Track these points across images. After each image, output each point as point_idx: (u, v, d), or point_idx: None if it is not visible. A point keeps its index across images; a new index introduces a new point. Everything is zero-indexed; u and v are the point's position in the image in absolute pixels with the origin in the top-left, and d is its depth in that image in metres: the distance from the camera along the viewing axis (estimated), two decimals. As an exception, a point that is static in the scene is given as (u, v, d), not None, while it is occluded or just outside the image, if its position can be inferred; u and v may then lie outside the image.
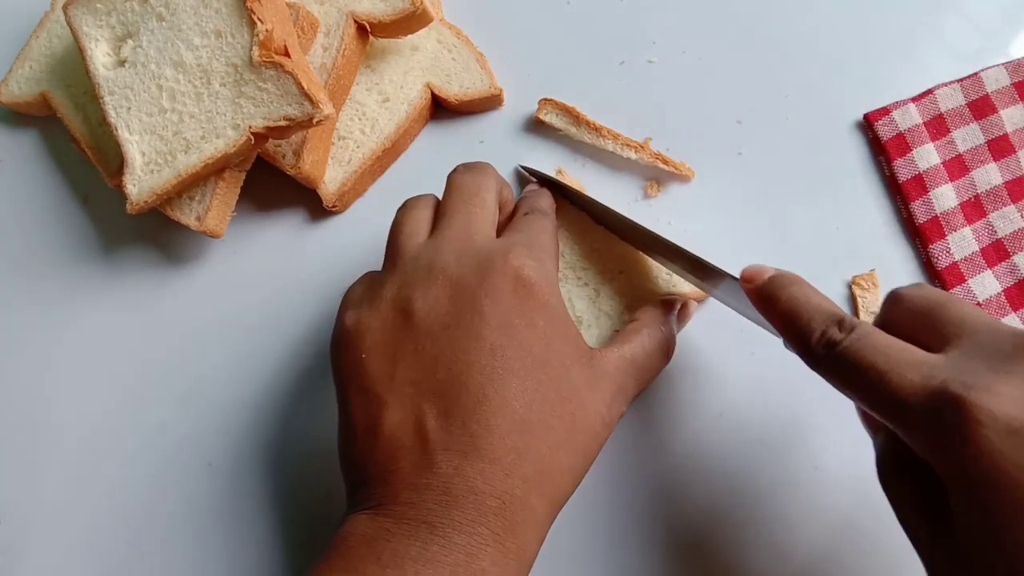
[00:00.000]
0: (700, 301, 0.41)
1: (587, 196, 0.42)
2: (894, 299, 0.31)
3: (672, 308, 0.39)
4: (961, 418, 0.25)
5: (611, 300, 0.41)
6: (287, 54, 0.40)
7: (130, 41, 0.42)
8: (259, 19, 0.39)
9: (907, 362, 0.28)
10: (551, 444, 0.31)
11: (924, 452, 0.27)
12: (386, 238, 0.37)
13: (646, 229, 0.39)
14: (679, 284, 0.41)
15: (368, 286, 0.35)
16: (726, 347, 0.41)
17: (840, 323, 0.30)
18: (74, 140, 0.46)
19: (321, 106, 0.39)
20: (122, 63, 0.42)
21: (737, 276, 0.35)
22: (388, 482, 0.30)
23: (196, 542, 0.41)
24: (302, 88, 0.39)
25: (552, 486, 0.31)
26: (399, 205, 0.38)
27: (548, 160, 0.45)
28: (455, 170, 0.38)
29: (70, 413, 0.44)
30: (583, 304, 0.41)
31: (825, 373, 0.31)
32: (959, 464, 0.26)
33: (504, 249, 0.34)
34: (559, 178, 0.44)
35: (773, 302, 0.33)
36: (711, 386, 0.41)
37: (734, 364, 0.41)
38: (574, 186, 0.43)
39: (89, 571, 0.41)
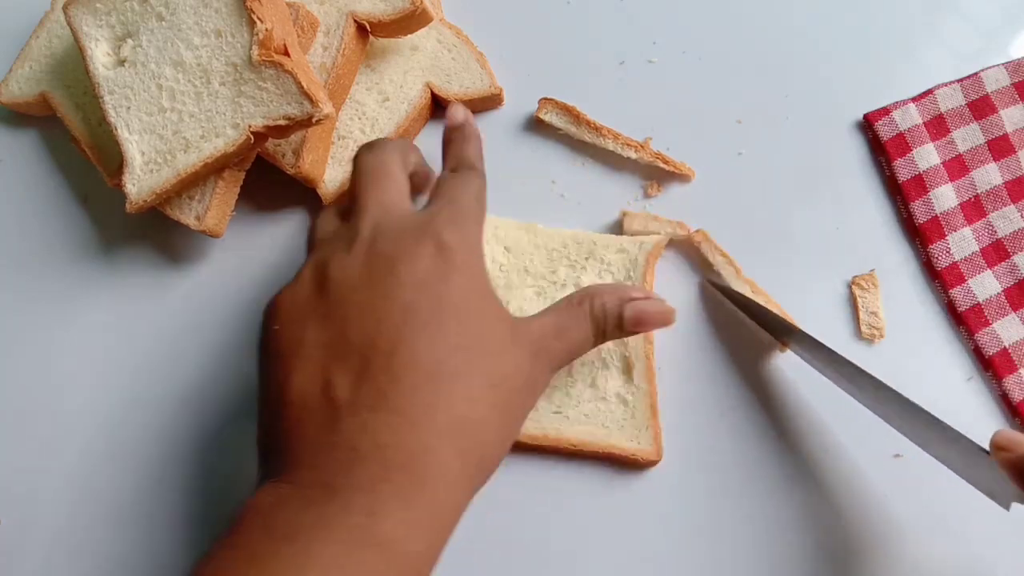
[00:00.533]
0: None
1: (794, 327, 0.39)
2: None
3: (634, 297, 0.36)
4: None
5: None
6: (287, 53, 0.40)
7: (130, 41, 0.42)
8: (259, 18, 0.39)
9: None
10: (466, 396, 0.30)
11: None
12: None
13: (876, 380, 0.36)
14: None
15: (293, 281, 0.34)
16: (730, 344, 0.41)
17: None
18: (74, 140, 0.46)
19: (321, 105, 0.39)
20: (122, 63, 0.42)
21: (976, 441, 0.32)
22: (293, 447, 0.30)
23: (196, 541, 0.41)
24: (302, 87, 0.39)
25: (468, 440, 0.30)
26: None
27: (548, 159, 0.45)
28: (356, 153, 0.38)
29: (69, 412, 0.44)
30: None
31: None
32: None
33: (423, 221, 0.33)
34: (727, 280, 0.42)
35: None
36: (715, 383, 0.41)
37: (737, 361, 0.41)
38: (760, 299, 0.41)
39: (89, 570, 0.41)
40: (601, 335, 0.36)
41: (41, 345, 0.45)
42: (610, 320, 0.35)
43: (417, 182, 0.39)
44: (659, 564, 0.38)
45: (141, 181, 0.41)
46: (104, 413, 0.43)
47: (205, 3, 0.41)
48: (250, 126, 0.39)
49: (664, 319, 0.36)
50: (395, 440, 0.29)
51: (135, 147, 0.41)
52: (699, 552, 0.38)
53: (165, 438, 0.43)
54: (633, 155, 0.44)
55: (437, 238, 0.33)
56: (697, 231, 0.42)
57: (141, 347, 0.44)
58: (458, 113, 0.40)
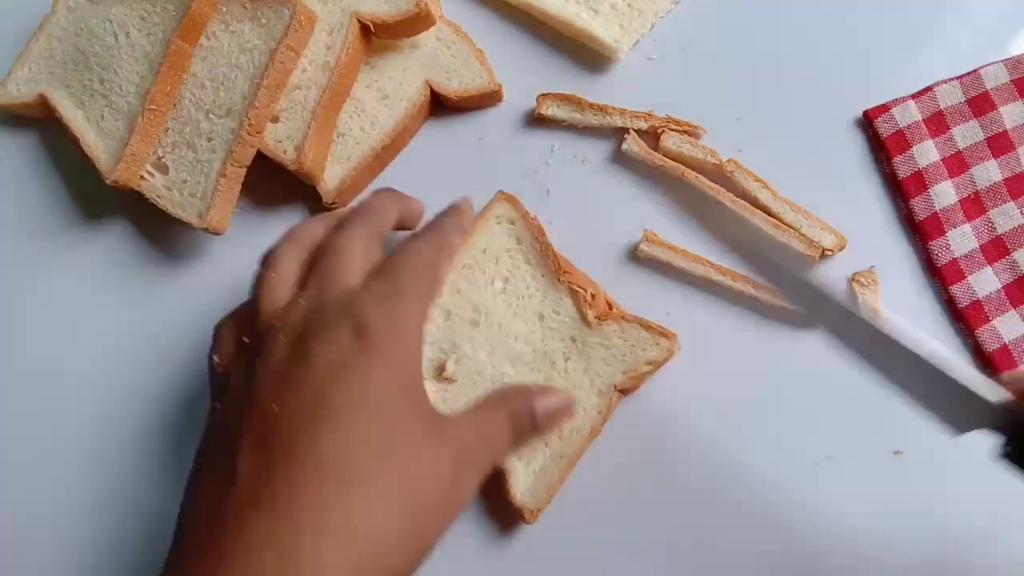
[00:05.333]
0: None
1: None
2: None
3: (540, 395, 0.35)
4: None
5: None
6: (609, 306, 0.41)
7: (453, 355, 0.41)
8: (578, 287, 0.40)
9: None
10: (366, 498, 0.28)
11: None
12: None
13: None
14: None
15: (240, 344, 0.34)
16: (730, 342, 0.41)
17: None
18: (73, 140, 0.46)
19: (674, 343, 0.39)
20: (451, 379, 0.40)
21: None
22: (184, 535, 0.30)
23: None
24: (652, 328, 0.39)
25: (360, 546, 0.28)
26: (265, 253, 0.36)
27: (547, 155, 0.45)
28: (328, 233, 0.36)
29: (72, 411, 0.44)
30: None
31: None
32: None
33: (349, 300, 0.32)
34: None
35: None
36: (717, 381, 0.41)
37: (739, 359, 0.41)
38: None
39: (89, 568, 0.41)
40: (519, 436, 0.34)
41: (42, 343, 0.45)
42: (525, 421, 0.34)
43: (407, 225, 0.38)
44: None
45: None
46: (106, 411, 0.43)
47: (517, 294, 0.41)
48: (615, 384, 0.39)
49: (570, 411, 0.36)
50: (266, 543, 0.27)
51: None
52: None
53: (168, 435, 0.43)
54: (643, 125, 0.44)
55: (357, 319, 0.31)
56: (729, 160, 0.43)
57: (144, 345, 0.44)
58: (460, 200, 0.39)
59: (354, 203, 0.46)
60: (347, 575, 0.27)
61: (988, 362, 0.40)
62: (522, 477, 0.39)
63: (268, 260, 0.36)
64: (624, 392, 0.40)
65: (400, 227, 0.38)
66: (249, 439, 0.29)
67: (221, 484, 0.29)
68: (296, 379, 0.30)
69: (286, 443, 0.29)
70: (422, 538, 0.30)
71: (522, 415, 0.34)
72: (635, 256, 0.43)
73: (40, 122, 0.49)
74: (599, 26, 0.45)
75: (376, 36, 0.45)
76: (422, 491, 0.30)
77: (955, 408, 0.31)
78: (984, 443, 0.30)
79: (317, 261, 0.35)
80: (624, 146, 0.44)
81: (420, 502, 0.30)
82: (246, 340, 0.34)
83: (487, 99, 0.46)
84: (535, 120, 0.45)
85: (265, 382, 0.31)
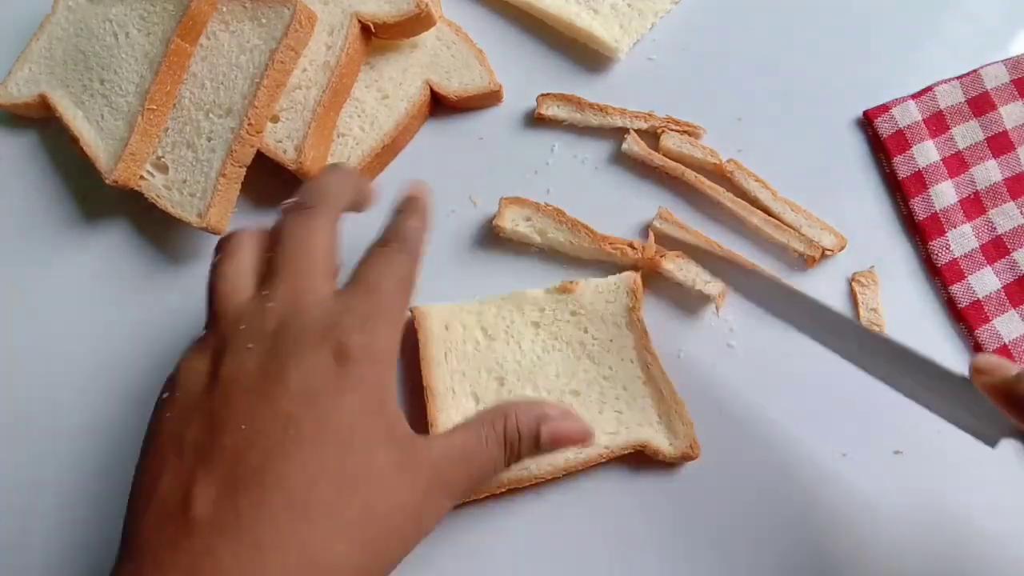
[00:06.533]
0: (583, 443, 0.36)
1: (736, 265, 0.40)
2: None
3: (554, 418, 0.33)
4: None
5: None
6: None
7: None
8: (620, 244, 0.41)
9: None
10: (328, 531, 0.28)
11: None
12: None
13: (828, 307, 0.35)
14: None
15: (194, 346, 0.32)
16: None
17: None
18: (73, 140, 0.46)
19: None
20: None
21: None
22: (146, 546, 0.28)
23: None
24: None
25: None
26: (220, 241, 0.35)
27: (547, 155, 0.45)
28: (283, 212, 0.34)
29: (71, 411, 0.44)
30: None
31: None
32: None
33: (331, 317, 0.31)
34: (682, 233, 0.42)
35: None
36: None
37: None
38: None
39: (88, 568, 0.41)
40: (515, 456, 0.33)
41: (42, 343, 0.45)
42: (525, 442, 0.33)
43: (358, 208, 0.37)
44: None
45: None
46: (105, 411, 0.43)
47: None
48: None
49: (582, 438, 0.34)
50: (238, 573, 0.27)
51: None
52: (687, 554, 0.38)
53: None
54: (643, 125, 0.44)
55: (339, 344, 0.30)
56: (729, 160, 0.43)
57: (143, 344, 0.44)
58: (416, 185, 0.37)
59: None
60: None
61: (988, 362, 0.40)
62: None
63: (224, 247, 0.34)
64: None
65: (351, 210, 0.36)
66: (214, 453, 0.28)
67: (179, 500, 0.28)
68: (269, 399, 0.29)
69: (255, 467, 0.28)
70: (378, 566, 0.30)
71: (523, 438, 0.33)
72: (635, 256, 0.43)
73: (40, 122, 0.49)
74: (599, 26, 0.46)
75: (376, 36, 0.45)
76: (384, 522, 0.29)
77: (979, 421, 0.31)
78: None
79: (278, 252, 0.33)
80: (624, 146, 0.44)
81: (381, 532, 0.29)
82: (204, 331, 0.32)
83: (487, 99, 0.46)
84: (535, 120, 0.46)
85: (235, 396, 0.29)
